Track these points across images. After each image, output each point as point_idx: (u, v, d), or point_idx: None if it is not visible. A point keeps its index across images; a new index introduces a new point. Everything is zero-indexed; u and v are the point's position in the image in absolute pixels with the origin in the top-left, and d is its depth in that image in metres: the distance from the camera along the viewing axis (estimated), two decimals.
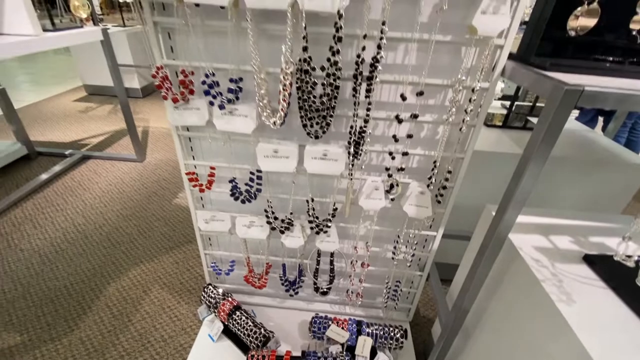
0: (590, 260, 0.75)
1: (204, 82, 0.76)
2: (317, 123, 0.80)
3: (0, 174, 2.26)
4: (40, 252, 1.66)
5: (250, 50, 0.72)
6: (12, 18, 1.57)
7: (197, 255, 1.70)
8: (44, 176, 2.21)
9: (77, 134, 2.94)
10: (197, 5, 0.69)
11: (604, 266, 0.72)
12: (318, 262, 1.12)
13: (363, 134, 0.81)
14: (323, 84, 0.74)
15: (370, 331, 1.09)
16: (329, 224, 0.99)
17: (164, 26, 0.77)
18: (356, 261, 1.09)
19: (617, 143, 1.42)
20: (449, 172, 0.87)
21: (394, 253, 1.05)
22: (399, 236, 1.02)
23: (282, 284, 1.19)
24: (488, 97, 0.78)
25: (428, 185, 0.90)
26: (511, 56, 0.76)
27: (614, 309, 0.64)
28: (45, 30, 1.69)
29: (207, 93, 0.76)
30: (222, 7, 0.67)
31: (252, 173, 0.92)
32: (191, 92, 0.80)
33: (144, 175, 2.36)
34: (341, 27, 0.66)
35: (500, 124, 1.48)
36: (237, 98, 0.79)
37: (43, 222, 1.86)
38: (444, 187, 0.89)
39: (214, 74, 0.78)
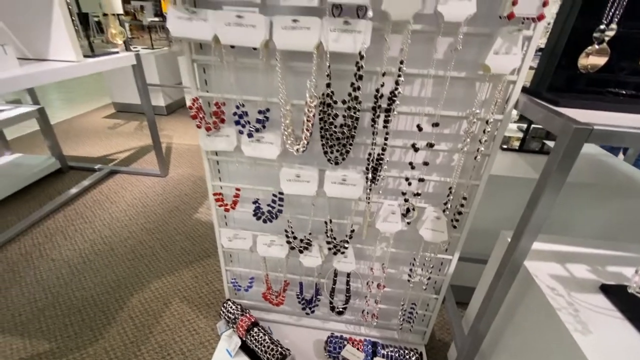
0: (607, 290, 0.75)
1: (235, 114, 0.83)
2: (337, 150, 0.85)
3: (35, 187, 2.41)
4: (70, 263, 1.76)
5: (277, 84, 0.79)
6: (57, 45, 1.72)
7: (216, 270, 1.75)
8: (75, 190, 2.34)
9: (105, 149, 3.11)
10: (232, 47, 0.76)
11: (621, 296, 0.73)
12: (335, 282, 1.15)
13: (381, 161, 0.86)
14: (344, 116, 0.80)
15: (385, 353, 1.10)
16: (347, 245, 1.02)
17: (200, 63, 0.85)
18: (372, 282, 1.12)
19: (638, 169, 1.41)
20: (464, 198, 0.90)
21: (409, 275, 1.07)
22: (414, 259, 1.05)
23: (299, 302, 1.22)
24: (502, 128, 0.81)
25: (444, 210, 0.93)
26: (525, 89, 0.80)
27: (630, 340, 0.64)
28: (85, 56, 1.85)
29: (237, 123, 0.83)
30: (255, 49, 0.74)
31: (274, 195, 0.98)
32: (222, 120, 0.87)
33: (167, 189, 2.47)
34: (362, 67, 0.72)
35: (517, 147, 1.50)
36: (264, 127, 0.86)
37: (73, 234, 1.97)
38: (460, 213, 0.92)
39: (243, 105, 0.85)
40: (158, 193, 2.42)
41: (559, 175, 0.61)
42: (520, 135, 1.63)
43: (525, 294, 0.83)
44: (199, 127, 0.85)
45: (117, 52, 2.09)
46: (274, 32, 0.71)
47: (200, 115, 0.84)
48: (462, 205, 0.91)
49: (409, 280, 1.08)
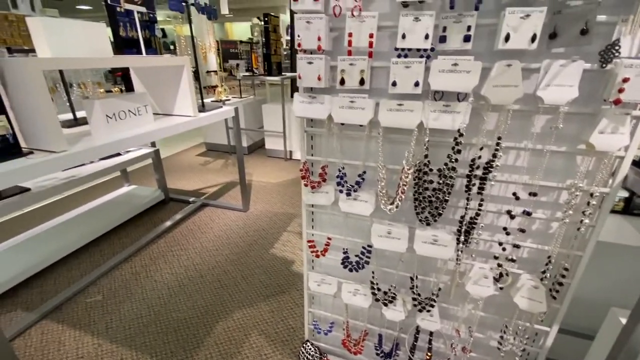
0: None
1: (337, 175, 0.96)
2: (430, 212, 0.91)
3: (144, 215, 2.86)
4: (168, 285, 2.03)
5: (376, 151, 0.90)
6: (180, 104, 2.14)
7: (290, 307, 1.85)
8: (173, 220, 2.73)
9: (198, 183, 3.59)
10: (342, 124, 0.91)
11: None
12: (416, 339, 1.15)
13: (474, 225, 0.89)
14: (439, 182, 0.87)
15: None
16: (433, 304, 1.04)
17: (310, 133, 1.02)
18: (457, 345, 1.09)
19: None
20: (566, 269, 0.87)
21: (500, 343, 1.02)
22: (506, 326, 1.01)
23: (377, 354, 1.23)
24: (608, 201, 0.79)
25: (541, 279, 0.90)
26: (635, 163, 0.78)
27: None
28: (199, 111, 2.25)
29: (339, 183, 0.95)
30: (361, 125, 0.87)
31: (364, 247, 1.06)
32: (324, 180, 1.00)
33: (247, 224, 2.72)
34: (460, 142, 0.79)
35: (621, 209, 1.37)
36: (360, 186, 0.97)
37: (171, 259, 2.28)
38: (560, 284, 0.88)
39: (343, 168, 0.97)
40: (240, 227, 2.68)
41: None
42: (625, 194, 1.49)
43: None
44: (306, 185, 0.99)
45: (221, 106, 2.49)
46: (380, 112, 0.83)
47: (307, 176, 0.98)
48: (563, 276, 0.87)
49: (499, 348, 1.03)
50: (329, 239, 1.12)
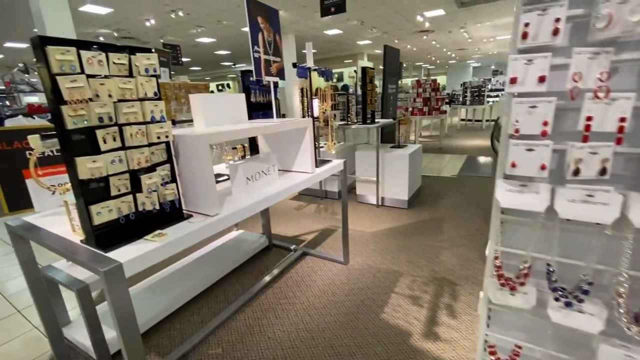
0: None
1: (549, 277, 0.78)
2: None
3: (250, 261, 2.97)
4: (282, 345, 1.97)
5: (609, 250, 0.70)
6: (300, 161, 2.21)
7: None
8: (278, 269, 2.76)
9: (294, 229, 3.66)
10: (568, 220, 0.75)
11: None
12: None
13: None
14: None
15: None
16: None
17: (506, 220, 0.87)
18: None
19: None
20: None
21: None
22: None
23: None
24: None
25: None
26: None
27: None
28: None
29: (554, 289, 0.77)
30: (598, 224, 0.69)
31: None
32: (524, 280, 0.83)
33: (351, 279, 2.60)
34: None
35: None
36: (584, 293, 0.76)
37: (281, 314, 2.25)
38: None
39: (551, 265, 0.79)
40: (343, 282, 2.57)
41: None
42: None
43: None
44: (503, 285, 0.83)
45: (331, 160, 2.53)
46: (633, 208, 0.65)
47: (502, 273, 0.82)
48: None
49: None
50: (518, 347, 0.91)
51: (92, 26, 9.12)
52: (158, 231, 1.29)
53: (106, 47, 1.16)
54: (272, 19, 1.93)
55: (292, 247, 3.13)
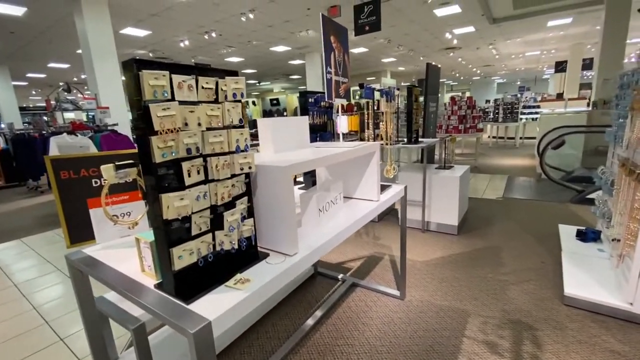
0: None
1: None
2: None
3: (297, 291, 2.77)
4: None
5: None
6: (364, 187, 2.03)
7: None
8: (330, 301, 2.54)
9: (337, 255, 3.44)
10: None
11: None
12: None
13: None
14: None
15: None
16: None
17: None
18: None
19: None
20: None
21: None
22: None
23: None
24: None
25: None
26: None
27: None
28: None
29: None
30: None
31: None
32: None
33: (412, 318, 2.35)
34: None
35: None
36: None
37: (340, 356, 2.02)
38: None
39: None
40: (404, 322, 2.32)
41: None
42: None
43: None
44: None
45: (391, 185, 2.34)
46: None
47: None
48: None
49: None
50: None
51: (130, 47, 9.53)
52: (239, 276, 1.13)
53: (194, 70, 1.04)
54: (342, 37, 1.80)
55: (340, 276, 2.91)
